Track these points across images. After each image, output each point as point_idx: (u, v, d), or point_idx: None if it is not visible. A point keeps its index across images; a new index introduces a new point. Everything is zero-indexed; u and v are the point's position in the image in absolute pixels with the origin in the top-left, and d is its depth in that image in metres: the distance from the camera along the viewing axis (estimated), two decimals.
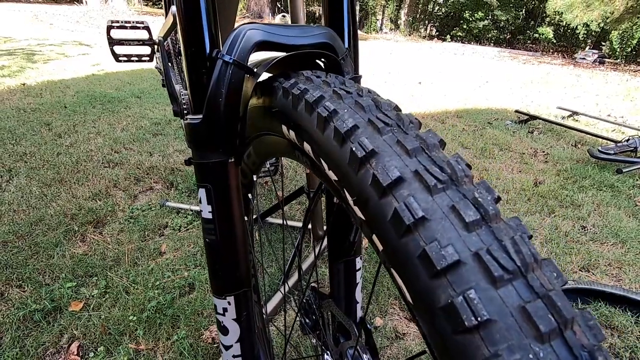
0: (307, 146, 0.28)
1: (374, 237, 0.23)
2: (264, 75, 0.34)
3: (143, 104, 3.06)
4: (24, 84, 3.36)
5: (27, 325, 1.03)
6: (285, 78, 0.32)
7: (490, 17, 15.26)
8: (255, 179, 0.50)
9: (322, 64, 0.38)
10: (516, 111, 3.41)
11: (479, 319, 0.16)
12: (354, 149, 0.23)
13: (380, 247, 0.22)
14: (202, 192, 0.35)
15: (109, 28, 0.88)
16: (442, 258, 0.17)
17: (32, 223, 1.44)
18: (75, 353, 0.97)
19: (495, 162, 2.38)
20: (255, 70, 0.32)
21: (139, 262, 1.29)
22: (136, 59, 0.95)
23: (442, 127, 3.05)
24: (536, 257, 0.17)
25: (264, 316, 0.72)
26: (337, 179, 0.25)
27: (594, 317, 0.17)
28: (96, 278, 1.21)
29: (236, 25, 0.35)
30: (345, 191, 0.24)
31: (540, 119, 3.16)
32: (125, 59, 0.97)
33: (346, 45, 0.38)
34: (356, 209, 0.23)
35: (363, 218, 0.23)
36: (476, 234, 0.18)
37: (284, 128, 0.31)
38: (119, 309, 1.09)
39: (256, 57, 0.38)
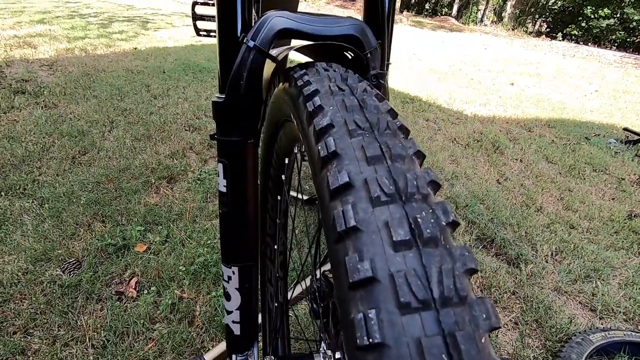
0: (300, 137, 0.28)
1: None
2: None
3: None
4: (135, 48, 3.82)
5: (102, 255, 1.22)
6: (300, 68, 0.32)
7: (618, 15, 12.98)
8: (286, 161, 0.51)
9: (349, 56, 0.37)
10: (625, 129, 2.92)
11: (370, 340, 0.15)
12: (320, 147, 0.23)
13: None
14: (220, 167, 0.38)
15: (194, 4, 0.96)
16: (356, 272, 0.17)
17: (121, 170, 1.67)
18: (133, 287, 1.12)
19: (584, 183, 2.09)
20: (276, 56, 0.33)
21: (197, 220, 1.43)
22: (214, 34, 1.02)
23: (527, 135, 2.75)
24: (461, 293, 0.15)
25: (288, 294, 0.76)
26: (312, 173, 0.25)
27: None
28: (161, 227, 1.37)
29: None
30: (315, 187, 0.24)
31: None
32: (205, 33, 1.04)
33: (380, 40, 0.37)
34: (317, 206, 0.23)
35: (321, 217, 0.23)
36: (402, 254, 0.17)
37: (292, 116, 0.32)
38: (173, 258, 1.23)
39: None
